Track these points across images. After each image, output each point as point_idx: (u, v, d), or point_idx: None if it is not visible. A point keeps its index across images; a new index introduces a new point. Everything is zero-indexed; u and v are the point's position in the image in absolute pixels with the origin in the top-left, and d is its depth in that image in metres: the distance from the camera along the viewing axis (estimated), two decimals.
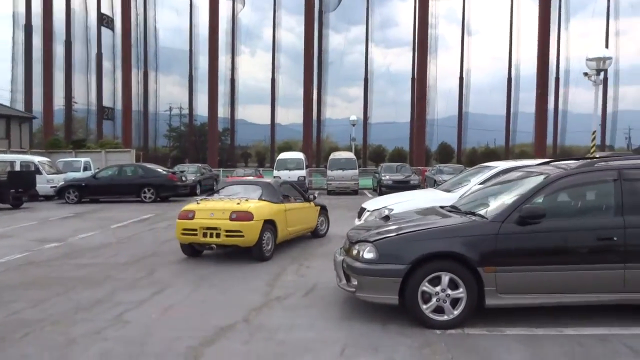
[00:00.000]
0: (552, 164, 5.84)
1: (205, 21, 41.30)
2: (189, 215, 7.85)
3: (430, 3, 39.01)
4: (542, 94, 30.35)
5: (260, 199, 8.24)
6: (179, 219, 7.99)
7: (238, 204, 7.88)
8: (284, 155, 24.11)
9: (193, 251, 8.30)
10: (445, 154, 50.70)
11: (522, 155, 51.67)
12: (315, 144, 45.21)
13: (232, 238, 7.55)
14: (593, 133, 11.53)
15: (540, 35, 30.49)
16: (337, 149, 41.72)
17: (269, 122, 50.23)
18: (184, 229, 7.83)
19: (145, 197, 17.84)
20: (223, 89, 46.65)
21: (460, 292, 4.62)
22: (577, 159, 6.24)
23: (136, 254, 8.46)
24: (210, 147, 40.43)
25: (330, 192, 22.26)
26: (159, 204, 17.31)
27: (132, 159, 24.29)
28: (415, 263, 4.61)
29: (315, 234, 9.96)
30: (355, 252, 4.99)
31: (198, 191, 21.27)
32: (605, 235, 4.61)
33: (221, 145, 51.50)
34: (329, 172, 22.40)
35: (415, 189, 19.62)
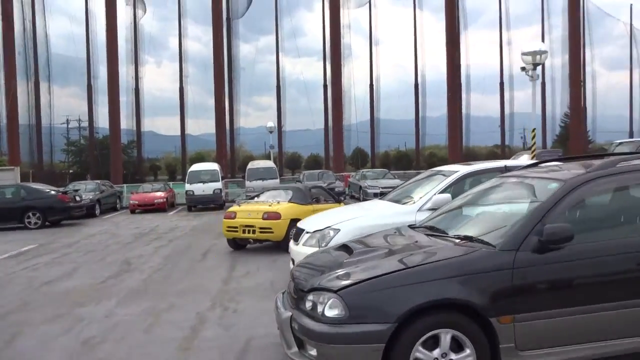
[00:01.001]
0: (545, 165, 4.59)
1: (104, 27, 37.53)
2: (232, 216, 9.39)
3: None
4: (453, 96, 30.65)
5: (289, 201, 9.55)
6: (224, 218, 9.57)
7: (270, 205, 9.31)
8: (196, 166, 21.57)
9: (236, 245, 9.72)
10: (359, 159, 50.49)
11: (432, 156, 53.07)
12: (229, 154, 42.78)
13: (264, 234, 8.91)
14: (533, 131, 10.87)
15: (449, 41, 30.92)
16: (252, 158, 39.68)
17: (179, 133, 47.04)
18: (228, 227, 9.37)
19: (29, 222, 14.78)
20: (127, 99, 42.88)
21: (467, 355, 3.14)
22: (566, 158, 5.11)
23: None
24: (114, 161, 36.53)
25: None
26: (47, 230, 14.41)
27: (16, 178, 20.63)
28: (403, 320, 3.06)
29: None
30: (309, 305, 3.33)
31: (97, 212, 18.40)
32: None
33: (127, 158, 47.27)
34: (247, 183, 20.45)
35: (341, 197, 18.38)
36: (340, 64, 34.96)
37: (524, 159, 16.08)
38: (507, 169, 6.20)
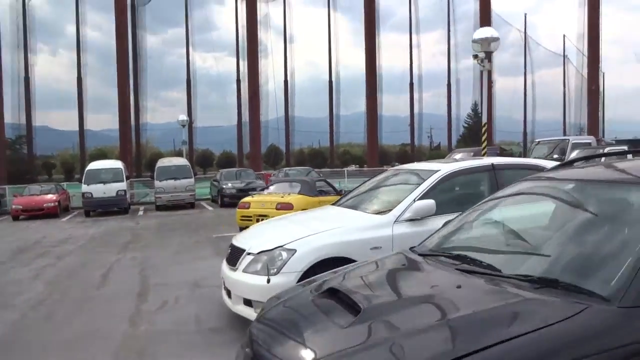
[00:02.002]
0: (581, 164, 3.33)
1: None
2: (246, 206, 10.13)
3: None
4: (371, 94, 30.10)
5: (299, 193, 10.11)
6: (238, 208, 10.34)
7: (282, 197, 9.95)
8: (96, 164, 18.42)
9: None
10: (274, 156, 48.85)
11: (346, 154, 52.93)
12: (134, 150, 39.07)
13: None
14: (484, 125, 9.98)
15: (367, 39, 30.37)
16: (159, 156, 36.60)
17: (77, 127, 42.14)
18: (242, 216, 9.99)
19: None
20: (17, 90, 37.55)
21: None
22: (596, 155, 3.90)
23: None
24: None
25: (160, 207, 17.87)
26: None
27: None
28: None
29: None
30: None
31: None
32: None
33: (17, 155, 41.54)
34: (157, 183, 17.92)
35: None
36: (257, 59, 33.07)
37: (461, 157, 15.49)
38: (494, 167, 5.02)
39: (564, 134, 43.50)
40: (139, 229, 12.93)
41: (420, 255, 2.93)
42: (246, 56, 33.54)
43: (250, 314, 4.28)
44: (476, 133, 54.18)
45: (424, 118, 63.37)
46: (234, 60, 43.40)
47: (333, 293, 2.55)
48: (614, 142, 19.28)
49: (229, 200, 17.22)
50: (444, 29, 47.30)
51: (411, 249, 3.14)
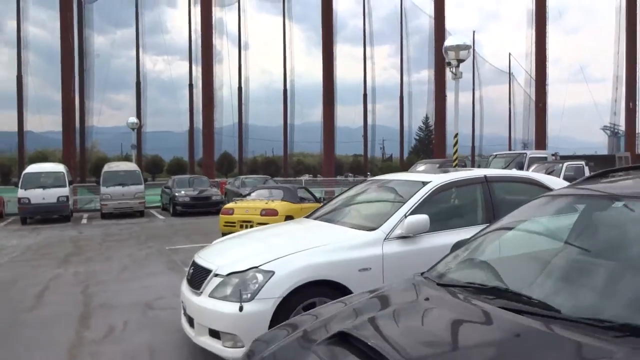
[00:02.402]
0: (619, 175, 2.90)
1: None
2: (229, 212, 10.11)
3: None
4: (329, 103, 29.73)
5: (282, 199, 10.08)
6: (221, 214, 10.28)
7: (266, 203, 10.00)
8: (35, 167, 16.74)
9: None
10: (227, 164, 47.59)
11: (300, 164, 52.47)
12: (78, 154, 36.82)
13: None
14: (455, 136, 9.65)
15: (325, 49, 30.06)
16: (106, 160, 34.77)
17: (16, 128, 39.33)
18: (226, 222, 9.97)
19: None
20: None
21: None
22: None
23: None
24: None
25: (106, 215, 16.53)
26: None
27: None
28: None
29: None
30: None
31: None
32: None
33: None
34: (103, 189, 16.53)
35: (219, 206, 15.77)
36: (212, 65, 31.93)
37: (424, 168, 15.26)
38: (487, 179, 4.59)
39: (509, 149, 44.99)
40: (83, 239, 11.74)
41: (440, 285, 2.38)
42: (199, 62, 32.39)
43: (218, 347, 3.61)
44: (427, 145, 55.35)
45: (377, 130, 64.06)
46: (186, 64, 42.05)
47: (343, 339, 1.95)
48: (554, 157, 19.81)
49: (181, 209, 16.19)
50: (395, 43, 48.05)
51: (423, 275, 2.60)
